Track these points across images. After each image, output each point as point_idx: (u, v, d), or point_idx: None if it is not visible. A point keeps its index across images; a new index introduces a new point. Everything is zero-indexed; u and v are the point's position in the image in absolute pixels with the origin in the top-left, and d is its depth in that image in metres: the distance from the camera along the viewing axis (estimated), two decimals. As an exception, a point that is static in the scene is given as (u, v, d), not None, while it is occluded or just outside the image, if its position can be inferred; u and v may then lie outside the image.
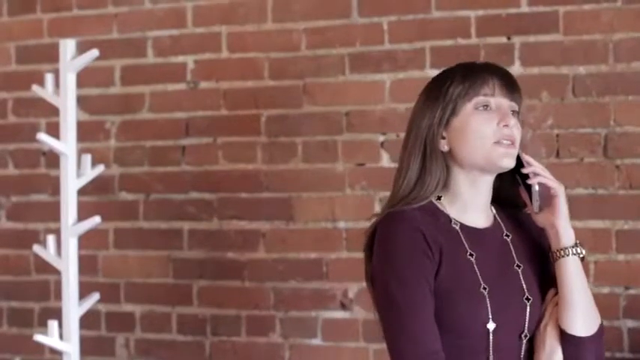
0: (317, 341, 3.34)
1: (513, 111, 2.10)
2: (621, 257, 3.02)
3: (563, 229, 2.10)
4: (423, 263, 2.02)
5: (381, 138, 3.27)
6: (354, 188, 3.30)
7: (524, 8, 3.12)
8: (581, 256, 2.10)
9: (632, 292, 3.02)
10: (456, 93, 2.07)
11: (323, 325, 3.33)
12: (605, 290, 3.03)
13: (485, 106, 2.07)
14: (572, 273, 2.08)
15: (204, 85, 3.49)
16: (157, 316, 3.53)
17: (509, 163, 2.08)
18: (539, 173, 2.10)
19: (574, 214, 3.01)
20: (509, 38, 3.14)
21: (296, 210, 3.37)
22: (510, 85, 2.10)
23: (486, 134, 2.05)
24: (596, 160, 3.05)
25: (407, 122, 2.16)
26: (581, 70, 3.07)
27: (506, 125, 2.06)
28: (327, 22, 3.33)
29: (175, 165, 3.51)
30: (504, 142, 2.06)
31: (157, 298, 3.53)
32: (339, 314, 3.30)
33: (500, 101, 2.07)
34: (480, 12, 3.16)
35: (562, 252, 2.09)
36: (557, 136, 3.09)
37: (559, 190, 2.10)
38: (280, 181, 3.38)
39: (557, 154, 3.09)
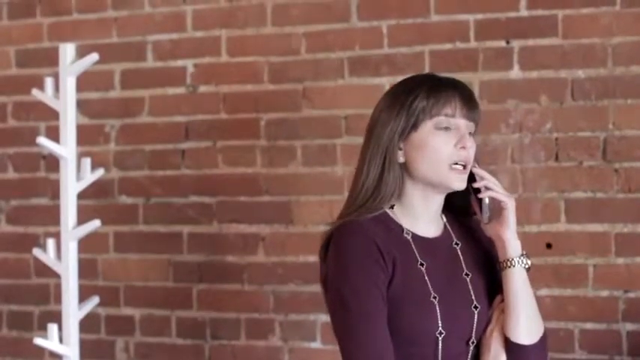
0: (316, 344, 3.34)
1: (471, 131, 2.15)
2: (620, 261, 3.02)
3: (510, 241, 2.14)
4: (376, 273, 2.06)
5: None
6: (354, 192, 3.29)
7: (523, 12, 3.12)
8: (527, 267, 2.15)
9: (631, 295, 3.02)
10: (419, 108, 2.11)
11: (322, 329, 3.33)
12: (605, 294, 3.03)
13: (446, 128, 2.10)
14: (517, 283, 2.13)
15: (203, 88, 3.49)
16: (157, 319, 3.53)
17: (461, 186, 2.13)
18: (490, 187, 2.15)
19: (573, 218, 3.05)
20: (508, 42, 3.14)
21: (295, 213, 3.37)
22: (471, 105, 2.15)
23: (443, 155, 2.11)
24: (595, 163, 3.05)
25: (367, 127, 2.20)
26: (580, 73, 3.07)
27: (463, 147, 2.09)
28: (327, 25, 3.34)
29: (175, 169, 3.52)
30: (459, 164, 2.11)
31: (157, 302, 3.53)
32: (339, 318, 3.30)
33: (460, 122, 2.12)
34: (479, 16, 3.17)
35: (508, 262, 2.14)
36: (557, 139, 3.10)
37: (509, 203, 2.15)
38: (280, 184, 3.39)
39: (557, 158, 3.09)
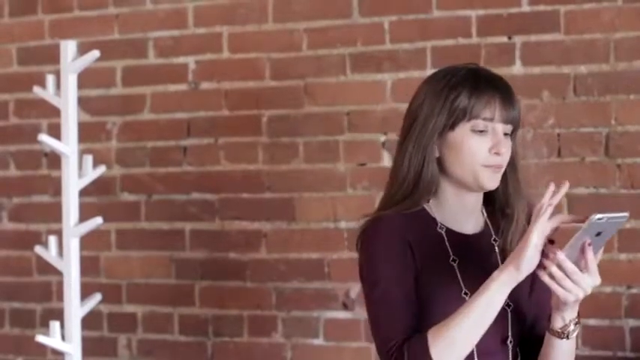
0: (319, 341, 3.34)
1: (509, 132, 2.11)
2: (623, 256, 3.02)
3: (564, 311, 2.02)
4: (402, 266, 2.05)
5: (383, 138, 3.27)
6: (356, 188, 3.30)
7: (525, 8, 3.12)
8: (574, 335, 2.04)
9: (634, 291, 3.02)
10: (460, 108, 2.06)
11: (325, 325, 3.33)
12: (608, 290, 3.03)
13: (482, 131, 2.07)
14: (562, 353, 2.05)
15: (205, 85, 3.49)
16: (159, 316, 3.53)
17: (494, 186, 2.09)
18: (554, 278, 1.96)
19: (576, 214, 3.03)
20: (510, 38, 3.14)
21: (297, 210, 3.37)
22: (510, 106, 2.09)
23: (477, 158, 2.06)
24: (598, 159, 3.05)
25: (406, 117, 2.14)
26: (583, 69, 3.07)
27: (497, 153, 2.07)
28: (328, 22, 3.34)
29: (177, 165, 3.51)
30: (492, 166, 2.07)
31: (159, 299, 3.53)
32: (341, 314, 3.30)
33: (497, 127, 2.08)
34: (481, 11, 3.16)
35: (557, 333, 2.03)
36: (559, 135, 3.09)
37: (569, 300, 1.98)
38: (282, 181, 3.38)
39: (559, 154, 3.09)
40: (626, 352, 3.01)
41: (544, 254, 1.96)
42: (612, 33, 3.03)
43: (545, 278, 1.95)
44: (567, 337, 2.02)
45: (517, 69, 3.12)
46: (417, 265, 2.06)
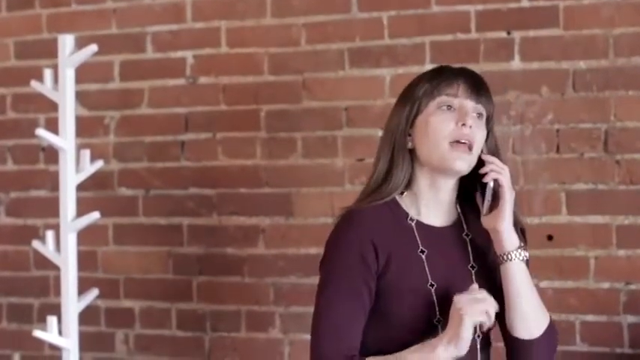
0: (317, 337, 3.33)
1: (479, 114, 2.12)
2: (622, 252, 3.02)
3: (506, 233, 2.11)
4: (358, 269, 2.08)
5: (381, 133, 3.26)
6: (354, 183, 3.29)
7: (524, 3, 3.11)
8: (524, 259, 2.12)
9: (632, 287, 3.01)
10: (421, 92, 2.14)
11: (323, 321, 3.32)
12: (606, 286, 3.03)
13: (449, 107, 2.10)
14: (515, 277, 2.11)
15: (203, 80, 3.48)
16: (157, 311, 3.53)
17: (462, 167, 2.11)
18: (495, 170, 2.11)
19: (574, 210, 3.05)
20: (509, 33, 3.13)
21: (296, 205, 3.36)
22: (478, 89, 2.14)
23: (444, 133, 2.10)
24: (597, 155, 3.05)
25: None
26: (582, 64, 3.06)
27: (464, 124, 2.08)
28: (327, 17, 3.33)
29: (175, 160, 3.51)
30: (461, 142, 2.09)
31: (157, 294, 3.53)
32: (339, 310, 3.30)
33: (464, 102, 2.11)
34: (480, 7, 3.16)
35: (505, 256, 2.11)
36: (558, 131, 3.09)
37: (507, 193, 2.11)
38: (280, 176, 3.38)
39: (558, 150, 3.08)
40: (624, 348, 3.01)
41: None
42: (611, 28, 3.03)
43: (490, 175, 2.10)
44: (511, 259, 2.09)
45: (516, 64, 3.11)
46: (381, 262, 2.09)
